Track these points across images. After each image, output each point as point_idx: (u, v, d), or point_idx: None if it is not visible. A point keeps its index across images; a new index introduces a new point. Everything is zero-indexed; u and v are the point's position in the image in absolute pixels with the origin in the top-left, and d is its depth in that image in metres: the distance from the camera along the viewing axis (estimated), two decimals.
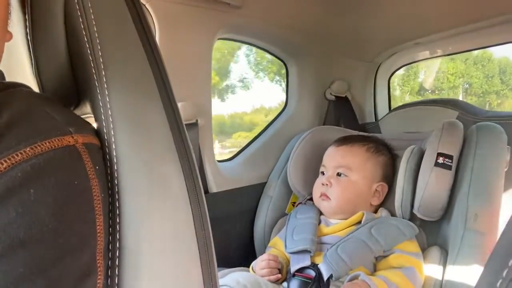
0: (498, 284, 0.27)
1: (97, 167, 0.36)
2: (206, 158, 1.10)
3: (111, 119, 0.40)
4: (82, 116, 0.45)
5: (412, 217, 0.95)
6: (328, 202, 0.98)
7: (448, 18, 1.18)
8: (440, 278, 0.83)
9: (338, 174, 0.99)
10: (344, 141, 1.05)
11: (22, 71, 0.46)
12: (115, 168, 0.38)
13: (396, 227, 0.89)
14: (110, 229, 0.36)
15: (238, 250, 1.17)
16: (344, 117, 1.45)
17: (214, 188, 1.12)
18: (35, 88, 0.45)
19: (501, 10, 1.08)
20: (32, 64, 0.44)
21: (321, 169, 1.05)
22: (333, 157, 1.03)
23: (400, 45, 1.40)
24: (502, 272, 0.27)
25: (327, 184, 0.98)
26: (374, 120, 1.52)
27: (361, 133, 1.24)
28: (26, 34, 0.43)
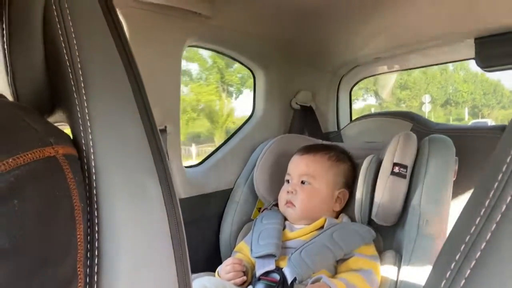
0: (442, 284, 0.31)
1: (76, 178, 0.37)
2: (174, 164, 1.11)
3: (89, 130, 0.41)
4: (55, 125, 0.45)
5: (370, 222, 1.00)
6: (293, 209, 1.02)
7: (406, 36, 1.27)
8: (395, 279, 0.89)
9: (302, 182, 1.03)
10: (307, 150, 1.09)
11: None
12: (93, 177, 0.40)
13: (356, 231, 0.94)
14: (89, 237, 0.37)
15: (204, 255, 1.19)
16: (309, 126, 1.50)
17: (182, 194, 1.12)
18: (9, 97, 0.45)
19: (454, 31, 1.17)
20: (7, 72, 0.44)
21: (286, 177, 1.09)
22: (297, 166, 1.07)
23: (361, 59, 1.48)
24: (446, 273, 0.31)
25: (292, 192, 1.02)
26: (336, 129, 1.59)
27: (324, 142, 1.30)
28: (3, 43, 0.43)
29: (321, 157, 1.06)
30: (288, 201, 1.03)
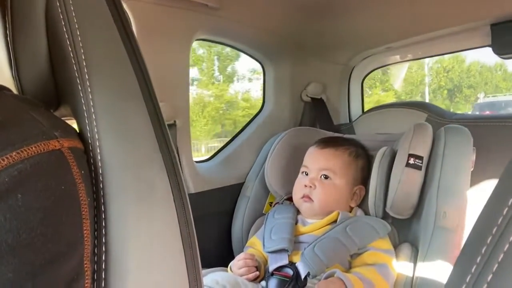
0: (468, 278, 0.29)
1: (82, 171, 0.36)
2: (184, 159, 1.10)
3: (95, 123, 0.40)
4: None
5: (385, 216, 0.98)
6: (310, 204, 0.99)
7: (418, 24, 1.23)
8: (411, 274, 0.87)
9: (323, 177, 1.00)
10: (327, 143, 1.06)
11: None
12: (100, 172, 0.38)
13: (370, 225, 0.92)
14: (96, 233, 0.36)
15: (216, 251, 1.18)
16: (320, 118, 1.48)
17: (192, 189, 1.12)
18: (14, 91, 0.44)
19: (469, 17, 1.14)
20: (12, 66, 0.43)
21: (303, 169, 1.05)
22: (317, 159, 1.03)
23: (372, 49, 1.45)
24: (466, 277, 0.29)
25: (311, 186, 0.99)
26: (348, 121, 1.56)
27: (338, 134, 1.27)
28: (6, 36, 0.42)
29: (342, 152, 1.03)
30: (306, 195, 1.00)
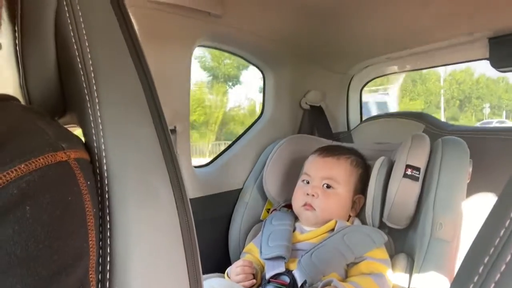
0: (471, 286, 0.30)
1: (88, 182, 0.36)
2: (183, 164, 1.11)
3: (101, 133, 0.41)
4: (66, 127, 0.45)
5: (381, 225, 0.99)
6: (312, 212, 0.99)
7: (417, 36, 1.25)
8: (407, 284, 0.87)
9: (325, 186, 1.00)
10: (329, 152, 1.06)
11: (3, 82, 0.46)
12: (106, 182, 0.39)
13: (367, 235, 0.93)
14: (101, 243, 0.37)
15: (213, 256, 1.18)
16: (318, 126, 1.49)
17: (190, 194, 1.12)
18: (21, 99, 0.45)
19: (467, 31, 1.15)
20: (20, 75, 0.43)
21: (304, 177, 1.05)
22: (320, 168, 1.03)
23: (372, 59, 1.46)
24: (474, 278, 0.30)
25: (313, 195, 0.99)
26: (346, 130, 1.57)
27: (337, 143, 1.28)
28: (15, 45, 0.43)
29: (344, 161, 1.03)
30: (308, 204, 0.99)
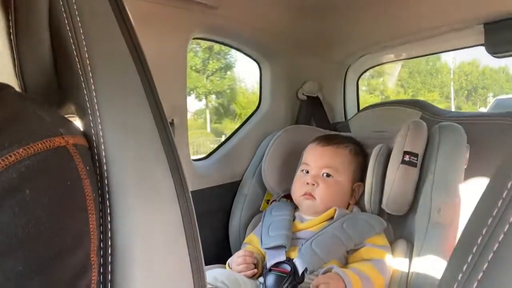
0: (459, 277, 0.30)
1: (87, 167, 0.36)
2: (182, 157, 1.10)
3: (99, 120, 0.41)
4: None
5: (380, 212, 1.00)
6: (312, 201, 0.99)
7: (412, 23, 1.25)
8: (407, 269, 0.88)
9: (325, 175, 1.01)
10: (328, 141, 1.07)
11: None
12: (105, 168, 0.39)
13: (366, 221, 0.93)
14: (101, 227, 0.37)
15: (213, 248, 1.19)
16: (316, 117, 1.49)
17: (189, 187, 1.12)
18: (17, 89, 0.45)
19: (462, 17, 1.15)
20: (15, 65, 0.43)
21: (303, 167, 1.05)
22: (319, 157, 1.04)
23: (368, 48, 1.46)
24: (463, 266, 0.30)
25: (313, 184, 1.00)
26: (344, 120, 1.57)
27: (335, 132, 1.28)
28: (10, 34, 0.42)
29: (343, 149, 1.04)
30: (308, 193, 1.00)
